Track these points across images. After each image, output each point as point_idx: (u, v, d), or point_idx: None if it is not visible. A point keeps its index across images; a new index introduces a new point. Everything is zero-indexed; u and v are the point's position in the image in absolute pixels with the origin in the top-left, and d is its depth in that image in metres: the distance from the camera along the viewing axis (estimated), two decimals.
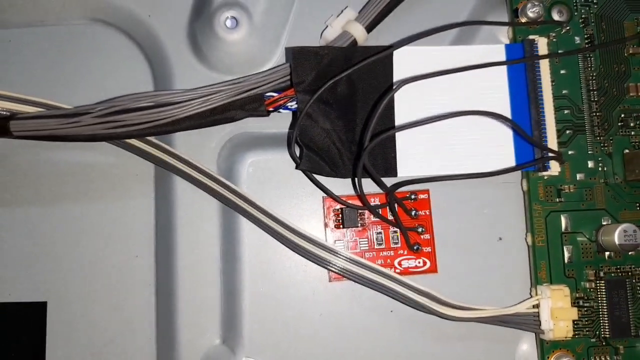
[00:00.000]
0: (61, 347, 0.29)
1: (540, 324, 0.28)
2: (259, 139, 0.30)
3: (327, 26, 0.31)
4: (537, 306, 0.29)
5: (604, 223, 0.30)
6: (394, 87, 0.28)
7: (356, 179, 0.27)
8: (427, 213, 0.30)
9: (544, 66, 0.30)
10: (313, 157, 0.28)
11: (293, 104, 0.28)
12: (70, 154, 0.30)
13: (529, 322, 0.28)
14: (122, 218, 0.30)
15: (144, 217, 0.30)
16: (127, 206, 0.30)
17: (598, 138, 0.31)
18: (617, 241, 0.29)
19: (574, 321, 0.28)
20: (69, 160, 0.30)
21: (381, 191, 0.29)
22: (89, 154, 0.31)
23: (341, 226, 0.29)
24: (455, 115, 0.28)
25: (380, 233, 0.30)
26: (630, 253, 0.29)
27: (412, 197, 0.30)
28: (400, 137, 0.30)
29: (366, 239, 0.29)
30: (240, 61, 0.31)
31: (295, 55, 0.29)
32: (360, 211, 0.29)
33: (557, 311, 0.28)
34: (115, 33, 0.32)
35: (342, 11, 0.31)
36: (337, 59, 0.29)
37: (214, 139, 0.30)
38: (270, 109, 0.28)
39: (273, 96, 0.28)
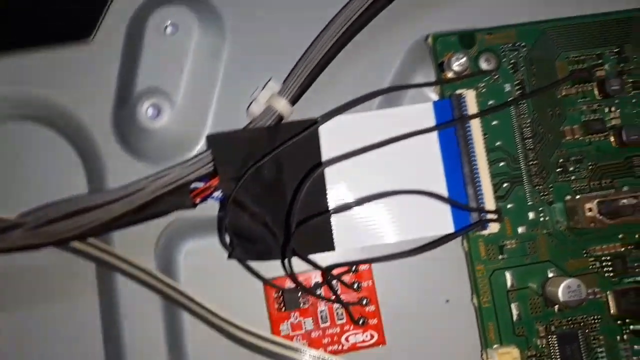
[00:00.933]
0: None
1: None
2: (194, 225, 0.30)
3: (252, 100, 0.31)
4: None
5: (550, 275, 0.29)
6: (320, 167, 0.28)
7: (287, 263, 0.27)
8: (370, 284, 0.29)
9: (475, 120, 0.30)
10: (244, 244, 0.28)
11: (219, 193, 0.28)
12: (6, 258, 0.30)
13: None
14: (68, 319, 0.30)
15: (90, 318, 0.30)
16: (71, 307, 0.30)
17: (537, 187, 0.30)
18: (561, 299, 0.28)
19: None
20: (6, 264, 0.31)
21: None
22: (26, 256, 0.31)
23: (284, 309, 0.29)
24: (389, 194, 0.28)
25: (323, 311, 0.29)
26: None
27: (353, 269, 0.30)
28: (336, 215, 0.29)
29: (311, 318, 0.29)
30: (169, 148, 0.30)
31: (214, 142, 0.28)
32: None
33: None
34: (45, 130, 0.32)
35: (266, 83, 0.31)
36: (260, 139, 0.29)
37: (149, 230, 0.30)
38: (197, 201, 0.28)
39: (198, 187, 0.28)
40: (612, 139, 0.30)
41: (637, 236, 0.30)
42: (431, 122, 0.30)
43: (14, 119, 0.32)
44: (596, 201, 0.28)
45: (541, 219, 0.30)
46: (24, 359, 0.30)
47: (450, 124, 0.29)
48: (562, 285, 0.28)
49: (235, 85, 0.31)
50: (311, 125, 0.29)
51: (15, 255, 0.30)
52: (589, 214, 0.28)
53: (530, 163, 0.30)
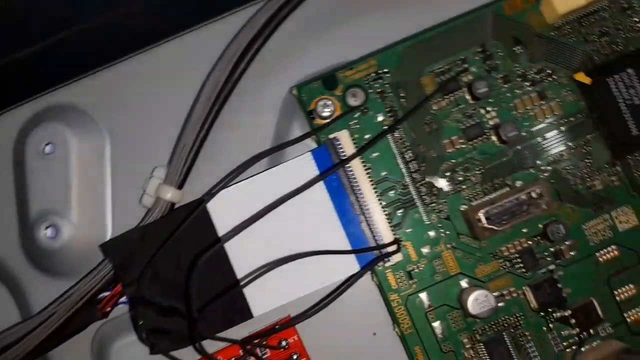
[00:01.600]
0: None
1: None
2: (118, 325, 0.31)
3: (142, 193, 0.31)
4: None
5: (464, 286, 0.30)
6: (217, 243, 0.29)
7: (199, 346, 0.28)
8: (296, 339, 0.30)
9: (354, 161, 0.30)
10: (162, 337, 0.29)
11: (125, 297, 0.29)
12: None
13: None
14: None
15: None
16: None
17: (431, 206, 0.30)
18: (472, 312, 0.29)
19: None
20: None
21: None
22: None
23: None
24: (292, 259, 0.29)
25: None
26: None
27: (277, 327, 0.31)
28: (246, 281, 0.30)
29: None
30: (78, 261, 0.31)
31: (108, 250, 0.29)
32: None
33: None
34: None
35: (152, 173, 0.31)
36: (153, 233, 0.30)
37: (81, 340, 0.31)
38: (107, 310, 0.29)
39: (106, 296, 0.29)
40: (494, 138, 0.31)
41: (540, 225, 0.30)
42: (314, 170, 0.30)
43: None
44: (481, 212, 0.29)
45: (442, 235, 0.30)
46: None
47: (328, 173, 0.29)
48: (470, 300, 0.29)
49: (125, 183, 0.32)
50: (198, 207, 0.29)
51: None
52: (479, 225, 0.29)
53: (419, 184, 0.31)
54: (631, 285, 0.30)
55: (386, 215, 0.30)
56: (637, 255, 0.30)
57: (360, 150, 0.30)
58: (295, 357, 0.30)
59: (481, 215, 0.29)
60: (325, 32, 0.32)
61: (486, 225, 0.28)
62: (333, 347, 0.31)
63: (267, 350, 0.30)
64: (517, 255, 0.30)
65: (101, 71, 0.32)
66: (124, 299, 0.29)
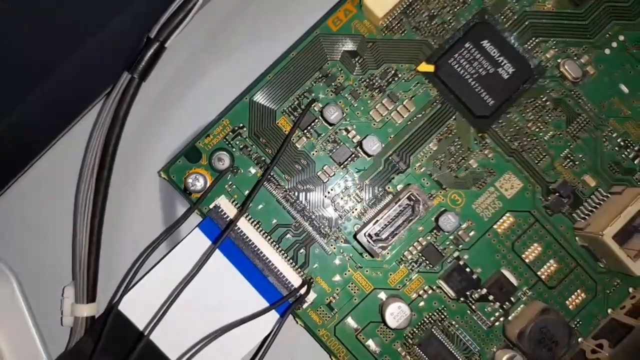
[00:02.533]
0: None
1: None
2: None
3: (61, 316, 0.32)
4: None
5: (383, 298, 0.31)
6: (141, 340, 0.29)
7: None
8: None
9: (240, 222, 0.31)
10: None
11: None
12: None
13: None
14: None
15: None
16: None
17: (331, 237, 0.31)
18: (392, 326, 0.30)
19: None
20: None
21: None
22: None
23: None
24: (221, 332, 0.29)
25: None
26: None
27: None
28: None
29: None
30: None
31: None
32: None
33: None
34: None
35: (62, 293, 0.32)
36: (81, 351, 0.30)
37: None
38: None
39: None
40: (362, 154, 0.31)
41: (432, 219, 0.31)
42: (207, 243, 0.31)
43: None
44: (363, 233, 0.29)
45: (347, 259, 0.31)
46: None
47: (220, 241, 0.30)
48: (387, 315, 0.30)
49: (44, 311, 0.32)
50: (109, 315, 0.30)
51: None
52: (371, 247, 0.30)
53: (311, 220, 0.31)
54: (535, 245, 0.31)
55: (289, 259, 0.31)
56: (531, 214, 0.31)
57: (242, 208, 0.30)
58: None
59: (363, 237, 0.29)
60: (170, 108, 0.32)
61: (374, 247, 0.29)
62: None
63: None
64: (420, 254, 0.31)
65: None
66: None
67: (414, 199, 0.30)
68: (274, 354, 0.31)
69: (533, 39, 0.31)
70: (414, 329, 0.31)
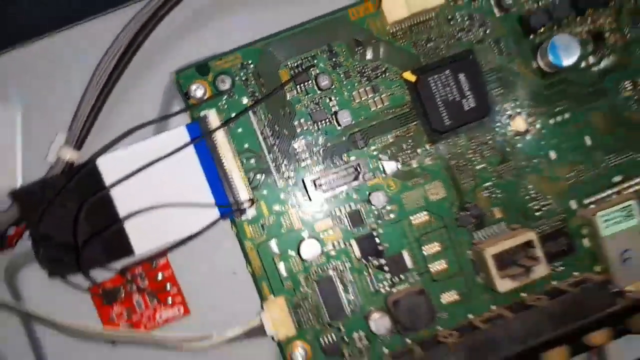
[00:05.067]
0: None
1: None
2: (25, 255, 0.38)
3: (47, 154, 0.38)
4: None
5: (304, 237, 0.38)
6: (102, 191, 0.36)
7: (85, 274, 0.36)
8: (170, 272, 0.38)
9: (219, 134, 0.37)
10: (55, 264, 0.36)
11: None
12: None
13: (263, 332, 0.37)
14: None
15: None
16: None
17: (285, 174, 0.38)
18: (303, 257, 0.37)
19: (296, 318, 0.37)
20: None
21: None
22: None
23: (106, 303, 0.38)
24: (169, 205, 0.36)
25: (138, 300, 0.38)
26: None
27: (154, 264, 0.38)
28: (129, 224, 0.37)
29: (130, 307, 0.38)
30: None
31: (16, 196, 0.36)
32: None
33: (276, 321, 0.37)
34: None
35: (55, 137, 0.38)
36: (53, 185, 0.37)
37: None
38: (14, 243, 0.36)
39: (10, 234, 0.36)
40: (335, 122, 0.38)
41: (367, 193, 0.38)
42: (187, 139, 0.37)
43: None
44: (310, 179, 0.36)
45: (290, 197, 0.38)
46: None
47: (197, 140, 0.36)
48: (302, 248, 0.36)
49: (34, 145, 0.38)
50: (87, 164, 0.36)
51: None
52: (313, 192, 0.37)
53: (274, 156, 0.38)
54: (436, 244, 0.38)
55: (248, 179, 0.38)
56: (442, 219, 0.38)
57: (225, 123, 0.37)
58: (168, 286, 0.38)
59: (310, 183, 0.36)
60: (201, 28, 0.38)
61: (315, 191, 0.36)
62: (201, 281, 0.39)
63: (147, 281, 0.38)
64: (347, 215, 0.38)
65: (10, 52, 0.38)
66: (26, 234, 0.36)
67: (359, 170, 0.37)
68: (208, 248, 0.38)
69: (500, 88, 0.38)
70: (319, 269, 0.38)
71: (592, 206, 0.38)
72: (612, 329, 0.35)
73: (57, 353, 0.39)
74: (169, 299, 0.38)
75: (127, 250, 0.37)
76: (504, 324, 0.36)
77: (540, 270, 0.36)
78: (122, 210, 0.37)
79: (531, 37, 0.38)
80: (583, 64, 0.39)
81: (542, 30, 0.38)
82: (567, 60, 0.37)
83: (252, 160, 0.38)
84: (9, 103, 0.38)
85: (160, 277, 0.38)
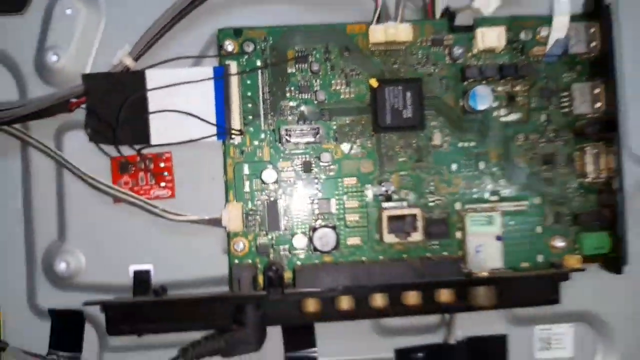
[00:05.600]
0: None
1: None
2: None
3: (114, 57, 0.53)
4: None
5: (269, 168, 0.53)
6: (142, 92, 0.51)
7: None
8: (170, 164, 0.53)
9: (234, 80, 0.52)
10: (96, 133, 0.51)
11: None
12: None
13: (220, 223, 0.52)
14: None
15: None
16: None
17: (268, 121, 0.53)
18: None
19: (246, 224, 0.52)
20: None
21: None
22: None
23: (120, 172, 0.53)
24: (181, 112, 0.51)
25: (142, 177, 0.53)
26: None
27: (162, 154, 0.53)
28: (153, 120, 0.52)
29: (136, 179, 0.53)
30: (66, 80, 0.53)
31: (86, 77, 0.51)
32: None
33: (231, 218, 0.52)
34: None
35: (124, 47, 0.53)
36: (111, 78, 0.52)
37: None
38: (72, 109, 0.51)
39: (73, 100, 0.51)
40: (314, 97, 0.53)
41: (320, 152, 0.53)
42: (210, 76, 0.52)
43: None
44: (285, 129, 0.52)
45: (267, 138, 0.53)
46: None
47: (217, 78, 0.51)
48: (264, 175, 0.52)
49: (107, 47, 0.54)
50: (139, 72, 0.51)
51: None
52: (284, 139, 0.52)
53: (265, 106, 0.53)
54: (356, 201, 0.54)
55: (242, 116, 0.53)
56: (364, 187, 0.54)
57: (240, 73, 0.52)
58: (166, 173, 0.53)
59: (284, 130, 0.52)
60: (246, 6, 0.54)
61: (285, 137, 0.52)
62: (188, 177, 0.54)
63: (152, 165, 0.53)
64: (302, 162, 0.53)
65: None
66: (83, 105, 0.51)
67: (320, 133, 0.52)
68: (199, 156, 0.53)
69: (432, 110, 0.54)
70: (272, 193, 0.53)
71: (468, 210, 0.54)
72: (455, 293, 0.51)
73: (75, 195, 0.54)
74: (163, 183, 0.53)
75: (147, 138, 0.52)
76: (381, 266, 0.52)
77: (416, 236, 0.52)
78: (151, 108, 0.52)
79: (465, 82, 0.54)
80: (494, 113, 0.55)
81: (472, 80, 0.54)
82: (481, 106, 0.53)
83: (250, 105, 0.53)
84: (98, 8, 0.54)
85: (162, 165, 0.53)
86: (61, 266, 0.52)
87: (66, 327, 0.53)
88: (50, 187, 0.54)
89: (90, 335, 0.54)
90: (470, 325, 0.56)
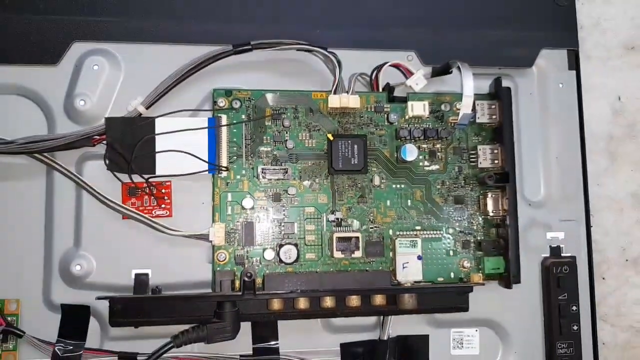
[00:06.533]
0: None
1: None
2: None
3: (128, 105, 0.68)
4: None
5: (247, 197, 0.68)
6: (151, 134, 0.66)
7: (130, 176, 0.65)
8: (170, 191, 0.67)
9: (223, 129, 0.68)
10: (118, 163, 0.65)
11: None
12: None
13: (207, 237, 0.66)
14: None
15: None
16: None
17: (248, 160, 0.69)
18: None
19: (228, 239, 0.67)
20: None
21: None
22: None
23: (129, 195, 0.66)
24: (182, 152, 0.66)
25: (147, 199, 0.67)
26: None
27: (164, 183, 0.67)
28: (159, 156, 0.66)
29: (141, 201, 0.67)
30: (89, 120, 0.67)
31: (108, 120, 0.66)
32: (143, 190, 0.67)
33: (217, 234, 0.66)
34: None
35: (137, 98, 0.68)
36: (129, 122, 0.66)
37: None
38: (95, 143, 0.65)
39: (95, 137, 0.65)
40: (284, 145, 0.69)
41: (287, 186, 0.69)
42: (205, 125, 0.68)
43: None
44: (261, 167, 0.67)
45: (247, 174, 0.69)
46: None
47: (211, 127, 0.67)
48: (244, 203, 0.67)
49: (123, 97, 0.68)
50: (150, 119, 0.66)
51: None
52: (260, 175, 0.67)
53: (247, 151, 0.69)
54: (313, 226, 0.69)
55: (228, 156, 0.68)
56: (320, 214, 0.69)
57: (228, 124, 0.68)
58: (166, 198, 0.67)
59: (260, 169, 0.67)
60: (233, 73, 0.70)
61: (261, 174, 0.67)
62: (184, 202, 0.68)
63: (155, 190, 0.67)
64: (272, 193, 0.69)
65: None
66: (104, 141, 0.65)
67: (287, 172, 0.68)
68: (191, 187, 0.67)
69: (372, 160, 0.71)
70: (248, 217, 0.68)
71: (398, 236, 0.70)
72: (386, 298, 0.67)
73: (90, 211, 0.67)
74: (163, 205, 0.67)
75: (153, 170, 0.66)
76: (331, 275, 0.67)
77: (358, 254, 0.67)
78: (158, 148, 0.66)
79: (398, 140, 0.72)
80: (420, 164, 0.72)
81: (404, 138, 0.72)
82: (410, 158, 0.71)
83: (234, 148, 0.69)
84: (119, 66, 0.69)
85: (163, 191, 0.67)
86: (76, 268, 0.65)
87: (74, 320, 0.65)
88: (69, 204, 0.67)
89: (93, 327, 0.66)
90: (399, 326, 0.72)
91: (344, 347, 0.70)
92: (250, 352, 0.67)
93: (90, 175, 0.67)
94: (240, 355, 0.67)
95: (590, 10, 0.88)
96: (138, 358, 0.63)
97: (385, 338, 0.71)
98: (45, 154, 0.66)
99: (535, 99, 0.78)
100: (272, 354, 0.68)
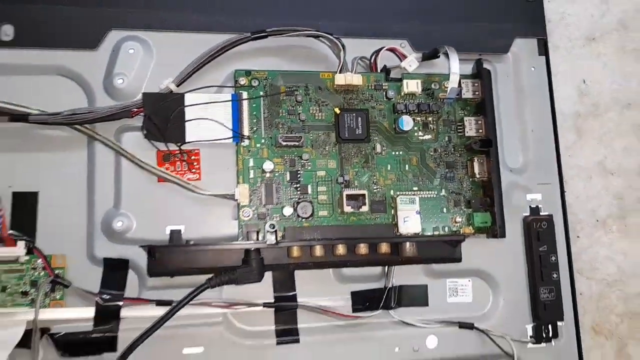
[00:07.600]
0: None
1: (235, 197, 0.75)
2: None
3: (161, 84, 0.77)
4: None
5: (267, 161, 0.77)
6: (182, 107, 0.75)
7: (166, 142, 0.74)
8: (199, 157, 0.76)
9: (244, 103, 0.77)
10: (154, 133, 0.74)
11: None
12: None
13: (233, 197, 0.75)
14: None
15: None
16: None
17: (267, 130, 0.78)
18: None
19: (251, 199, 0.76)
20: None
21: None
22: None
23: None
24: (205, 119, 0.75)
25: (178, 165, 0.76)
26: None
27: (193, 150, 0.76)
28: (188, 125, 0.76)
29: (173, 166, 0.75)
30: (125, 97, 0.76)
31: (145, 95, 0.75)
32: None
33: (241, 194, 0.75)
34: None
35: (168, 78, 0.77)
36: (161, 97, 0.75)
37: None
38: (133, 115, 0.74)
39: (134, 110, 0.74)
40: (297, 117, 0.79)
41: (301, 153, 0.78)
42: (229, 99, 0.77)
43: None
44: (279, 135, 0.77)
45: (266, 141, 0.78)
46: None
47: (234, 100, 0.76)
48: (265, 165, 0.76)
49: (157, 77, 0.78)
50: (181, 95, 0.75)
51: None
52: (278, 143, 0.77)
53: (265, 122, 0.78)
54: (324, 187, 0.78)
55: (250, 126, 0.77)
56: (330, 178, 0.79)
57: (247, 99, 0.77)
58: (195, 163, 0.76)
59: (279, 137, 0.77)
60: (253, 56, 0.80)
61: (278, 141, 0.77)
62: (212, 166, 0.77)
63: (186, 156, 0.76)
64: (288, 160, 0.78)
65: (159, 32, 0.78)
66: (142, 113, 0.74)
67: (302, 138, 0.77)
68: (218, 152, 0.76)
69: (374, 130, 0.81)
70: (269, 179, 0.77)
71: (398, 195, 0.80)
72: (390, 247, 0.76)
73: (128, 175, 0.76)
74: (193, 169, 0.76)
75: (183, 137, 0.75)
76: (343, 228, 0.76)
77: (365, 209, 0.77)
78: (188, 117, 0.75)
79: (395, 113, 0.82)
80: (415, 134, 0.83)
81: (400, 112, 0.82)
82: (406, 128, 0.81)
83: (254, 120, 0.78)
84: (150, 50, 0.79)
85: (193, 157, 0.76)
86: (118, 224, 0.73)
87: (115, 272, 0.73)
88: (109, 170, 0.76)
89: (132, 279, 0.73)
90: (402, 276, 0.81)
91: (354, 295, 0.79)
92: (272, 300, 0.76)
93: (128, 144, 0.76)
94: (264, 303, 0.75)
95: (557, 6, 1.02)
96: (174, 302, 0.71)
97: (390, 286, 0.80)
98: (87, 126, 0.74)
99: (511, 81, 0.91)
100: (291, 302, 0.76)
